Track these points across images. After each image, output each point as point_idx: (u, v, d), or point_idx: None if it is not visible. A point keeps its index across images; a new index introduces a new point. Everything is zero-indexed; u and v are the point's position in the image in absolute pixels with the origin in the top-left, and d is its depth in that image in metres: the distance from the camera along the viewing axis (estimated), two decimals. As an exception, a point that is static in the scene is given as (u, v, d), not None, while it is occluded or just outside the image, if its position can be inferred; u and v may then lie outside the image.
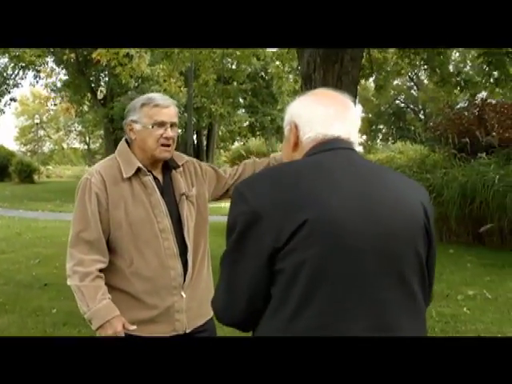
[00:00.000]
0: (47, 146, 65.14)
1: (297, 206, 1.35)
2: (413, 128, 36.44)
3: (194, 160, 2.73)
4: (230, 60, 19.96)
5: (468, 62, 27.92)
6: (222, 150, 38.37)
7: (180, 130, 22.77)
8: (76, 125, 54.47)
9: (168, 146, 2.46)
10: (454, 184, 10.08)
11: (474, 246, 9.93)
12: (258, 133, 32.25)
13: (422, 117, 41.29)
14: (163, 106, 2.44)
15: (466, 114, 12.98)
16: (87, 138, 62.11)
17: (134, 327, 2.31)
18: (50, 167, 46.58)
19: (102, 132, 36.26)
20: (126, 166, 2.45)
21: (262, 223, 1.36)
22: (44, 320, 5.76)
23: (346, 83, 5.69)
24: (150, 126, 2.42)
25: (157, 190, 2.46)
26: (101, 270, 2.38)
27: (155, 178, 2.50)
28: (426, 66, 12.61)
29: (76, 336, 5.00)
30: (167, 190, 2.53)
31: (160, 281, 2.41)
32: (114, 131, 27.09)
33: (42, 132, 60.59)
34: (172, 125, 2.46)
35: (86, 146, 64.33)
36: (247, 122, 31.21)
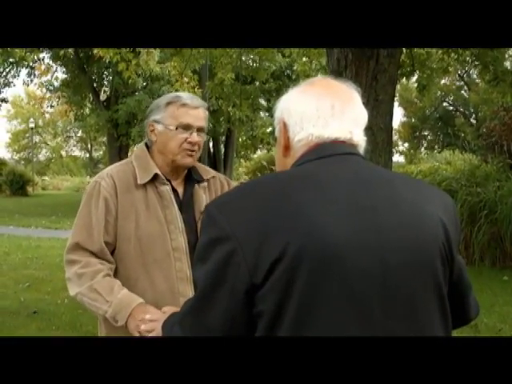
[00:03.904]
0: (43, 154, 65.96)
1: (278, 231, 1.23)
2: (463, 135, 36.23)
3: (223, 177, 2.71)
4: (251, 56, 19.99)
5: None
6: (242, 160, 38.36)
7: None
8: (76, 130, 55.08)
9: (192, 151, 2.44)
10: (510, 199, 9.94)
11: (533, 273, 9.73)
12: (282, 140, 32.05)
13: (474, 121, 40.99)
14: (191, 106, 2.42)
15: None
16: (89, 145, 62.86)
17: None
18: (47, 178, 47.25)
19: (105, 138, 36.44)
20: (142, 172, 2.43)
21: (235, 254, 1.24)
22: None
23: (383, 82, 5.65)
24: (174, 128, 2.39)
25: (174, 203, 2.44)
26: None
27: (174, 190, 2.48)
28: (477, 63, 12.50)
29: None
30: (186, 206, 2.50)
31: None
32: (118, 137, 27.17)
33: (37, 138, 61.23)
34: (199, 129, 2.44)
35: (87, 154, 65.13)
36: (271, 128, 31.16)
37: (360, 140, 1.49)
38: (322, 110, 1.44)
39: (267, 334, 1.26)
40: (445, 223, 1.39)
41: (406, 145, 49.04)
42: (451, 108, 44.33)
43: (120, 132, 26.68)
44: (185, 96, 2.44)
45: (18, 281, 9.19)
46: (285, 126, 1.50)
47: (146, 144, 2.54)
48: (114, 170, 2.47)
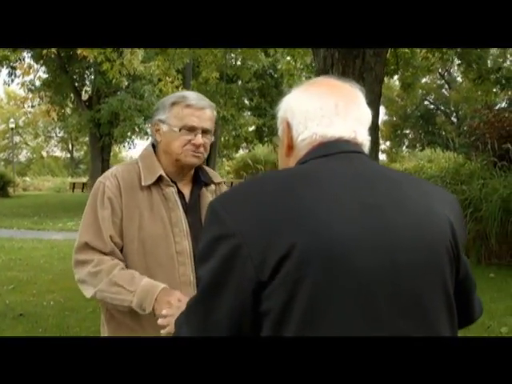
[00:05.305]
0: (24, 155, 65.84)
1: (284, 228, 1.21)
2: (444, 133, 36.50)
3: (225, 186, 2.68)
4: (233, 56, 20.03)
5: (508, 56, 27.92)
6: (224, 159, 38.41)
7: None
8: (57, 130, 55.01)
9: (196, 152, 2.39)
10: (494, 197, 9.93)
11: (519, 270, 9.79)
12: (265, 138, 32.10)
13: (455, 120, 41.38)
14: (196, 107, 2.37)
15: (506, 115, 12.88)
16: (70, 146, 62.67)
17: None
18: (28, 178, 47.09)
19: (87, 139, 36.29)
20: (147, 173, 2.39)
21: (241, 251, 1.22)
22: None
23: (369, 81, 5.67)
24: (177, 130, 2.35)
25: (180, 205, 2.40)
26: None
27: (180, 192, 2.45)
28: (460, 62, 12.60)
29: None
30: (192, 208, 2.46)
31: None
32: (100, 137, 27.10)
33: (17, 138, 60.96)
34: (204, 131, 2.39)
35: (68, 155, 64.92)
36: (254, 126, 31.22)
37: (364, 139, 1.48)
38: (325, 108, 1.43)
39: (274, 333, 1.23)
40: (452, 222, 1.38)
41: (388, 143, 49.35)
42: (432, 106, 44.70)
43: (102, 132, 26.64)
44: (191, 96, 2.38)
45: (2, 283, 9.10)
46: (288, 126, 1.48)
47: (153, 144, 2.51)
48: (119, 169, 2.43)
